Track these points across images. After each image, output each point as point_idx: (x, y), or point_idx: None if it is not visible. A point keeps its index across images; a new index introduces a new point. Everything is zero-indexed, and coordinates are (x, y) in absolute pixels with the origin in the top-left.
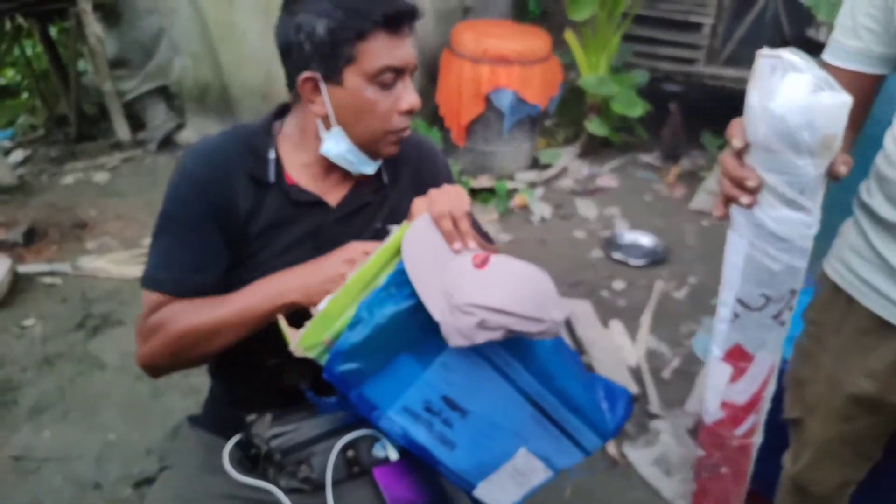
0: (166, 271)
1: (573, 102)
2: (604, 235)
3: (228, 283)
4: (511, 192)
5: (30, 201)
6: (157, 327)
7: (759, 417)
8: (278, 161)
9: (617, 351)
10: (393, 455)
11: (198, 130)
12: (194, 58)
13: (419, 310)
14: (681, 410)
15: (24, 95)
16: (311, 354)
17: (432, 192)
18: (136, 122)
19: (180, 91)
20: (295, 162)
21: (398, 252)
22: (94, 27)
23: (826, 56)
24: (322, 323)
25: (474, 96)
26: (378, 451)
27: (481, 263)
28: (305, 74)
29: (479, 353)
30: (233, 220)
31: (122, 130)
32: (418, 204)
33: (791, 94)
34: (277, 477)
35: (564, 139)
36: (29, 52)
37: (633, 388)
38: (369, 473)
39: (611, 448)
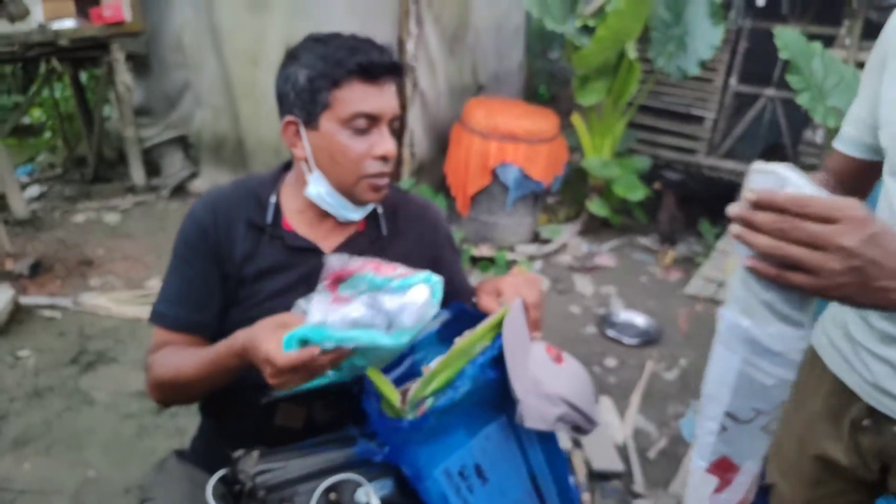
0: (167, 307)
1: (576, 182)
2: (599, 313)
3: (228, 321)
4: (510, 263)
5: (40, 236)
6: (149, 368)
7: None
8: (278, 207)
9: (605, 428)
10: (374, 503)
11: (210, 180)
12: (215, 111)
13: (489, 385)
14: (664, 492)
15: (47, 135)
16: (406, 408)
17: (521, 279)
18: (152, 169)
19: (198, 142)
20: (293, 208)
21: (495, 328)
22: (123, 76)
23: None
24: (428, 381)
25: (481, 169)
26: (360, 497)
27: (557, 358)
28: (287, 118)
29: (514, 428)
30: (231, 263)
31: (137, 175)
32: (509, 286)
33: None
34: None
35: (566, 217)
36: (57, 94)
37: (619, 466)
38: None
39: None
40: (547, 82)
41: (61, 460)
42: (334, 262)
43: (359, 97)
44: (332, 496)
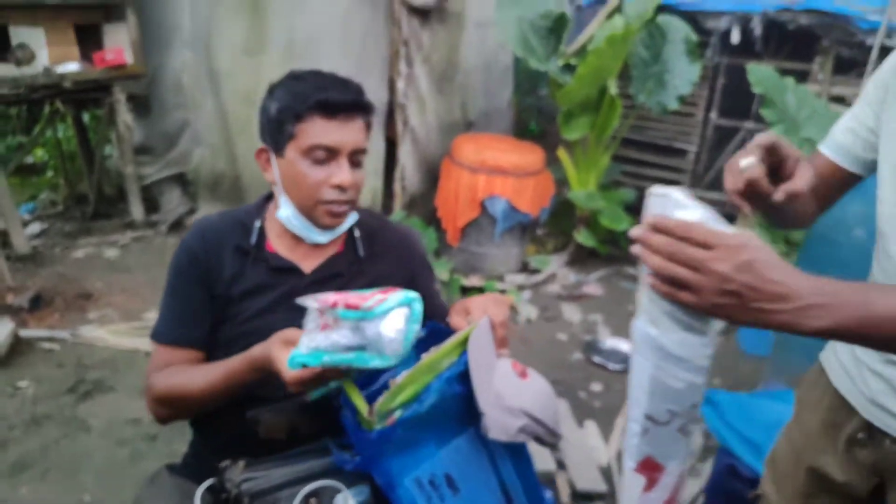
0: (166, 327)
1: (564, 214)
2: (585, 339)
3: (218, 337)
4: (500, 293)
5: (40, 271)
6: (151, 386)
7: None
8: (262, 231)
9: (589, 450)
10: None
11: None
12: (213, 149)
13: (456, 399)
14: None
15: (49, 174)
16: (375, 419)
17: (489, 298)
18: (151, 205)
19: (196, 178)
20: (274, 233)
21: (462, 345)
22: (124, 116)
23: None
24: (394, 393)
25: (470, 202)
26: (338, 503)
27: (522, 374)
28: (261, 146)
29: (483, 441)
30: (219, 285)
31: (136, 211)
32: (477, 305)
33: None
34: None
35: (554, 247)
36: (60, 134)
37: (602, 487)
38: None
39: None
40: (536, 118)
41: (57, 485)
42: (308, 303)
43: (319, 131)
44: (313, 501)
